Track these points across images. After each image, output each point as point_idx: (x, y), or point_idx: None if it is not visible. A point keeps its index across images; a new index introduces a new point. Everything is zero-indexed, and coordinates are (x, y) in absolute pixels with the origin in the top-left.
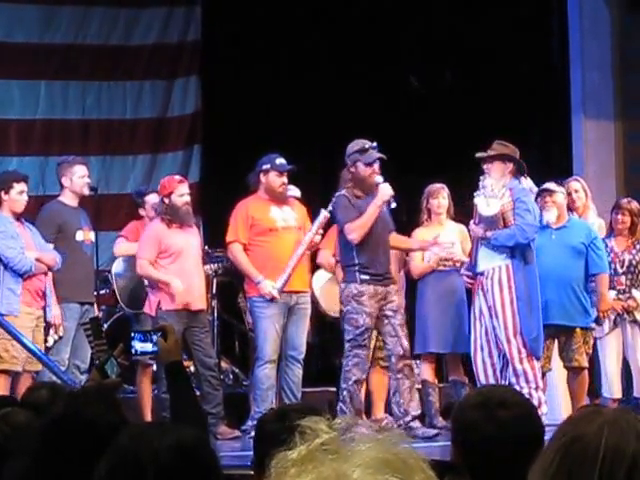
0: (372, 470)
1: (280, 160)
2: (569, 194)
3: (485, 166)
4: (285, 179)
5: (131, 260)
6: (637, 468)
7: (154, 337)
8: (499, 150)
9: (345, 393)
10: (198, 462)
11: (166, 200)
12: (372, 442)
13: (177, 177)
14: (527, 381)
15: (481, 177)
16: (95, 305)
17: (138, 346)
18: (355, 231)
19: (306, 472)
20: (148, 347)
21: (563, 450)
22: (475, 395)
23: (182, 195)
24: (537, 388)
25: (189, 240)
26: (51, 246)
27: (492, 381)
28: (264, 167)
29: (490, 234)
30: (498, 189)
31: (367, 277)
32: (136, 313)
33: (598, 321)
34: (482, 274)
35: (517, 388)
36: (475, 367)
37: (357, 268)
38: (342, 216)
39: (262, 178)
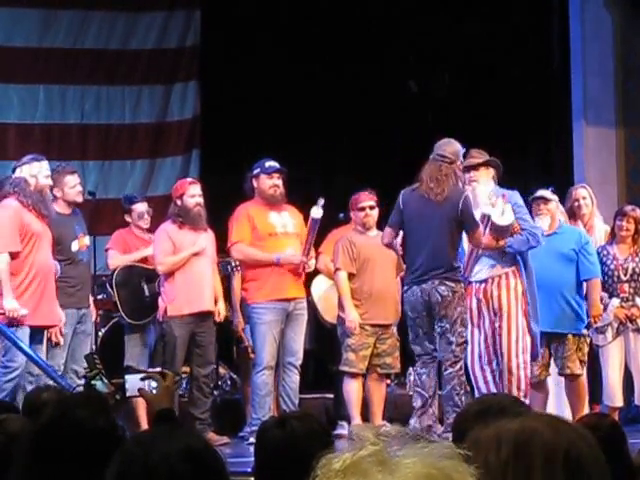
0: None
1: (269, 163)
2: (576, 200)
3: (471, 174)
4: (277, 181)
5: (131, 270)
6: (591, 456)
7: (147, 381)
8: (482, 157)
9: (464, 399)
10: (208, 467)
11: (178, 202)
12: (418, 455)
13: (189, 179)
14: (519, 389)
15: (467, 187)
16: (92, 309)
17: (131, 387)
18: (483, 235)
19: None
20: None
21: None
22: (476, 404)
23: (193, 196)
24: (525, 396)
25: (200, 242)
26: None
27: (492, 388)
28: (255, 172)
29: (503, 242)
30: (488, 196)
31: None
32: (134, 324)
33: (589, 327)
34: (485, 282)
35: None
36: (474, 376)
37: (461, 269)
38: (476, 219)
39: (254, 183)
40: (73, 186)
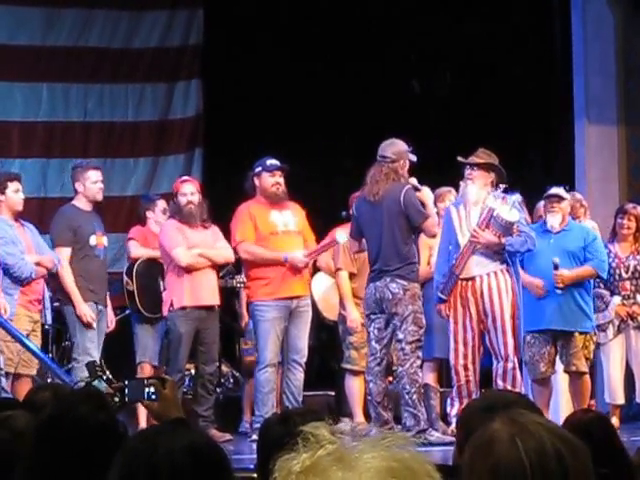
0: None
1: (271, 161)
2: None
3: (468, 172)
4: (278, 179)
5: (151, 263)
6: (565, 460)
7: (147, 388)
8: (486, 159)
9: (415, 397)
10: (212, 463)
11: (175, 200)
12: (376, 449)
13: (183, 177)
14: (514, 386)
15: (461, 183)
16: (110, 311)
17: (131, 393)
18: (437, 225)
19: None
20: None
21: None
22: (481, 399)
23: (184, 195)
24: None
25: (203, 238)
26: (53, 252)
27: (473, 387)
28: (256, 170)
29: (504, 240)
30: (477, 197)
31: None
32: (148, 316)
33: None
34: (473, 279)
35: None
36: (456, 375)
37: (417, 266)
38: (421, 210)
39: (256, 181)
40: (95, 182)
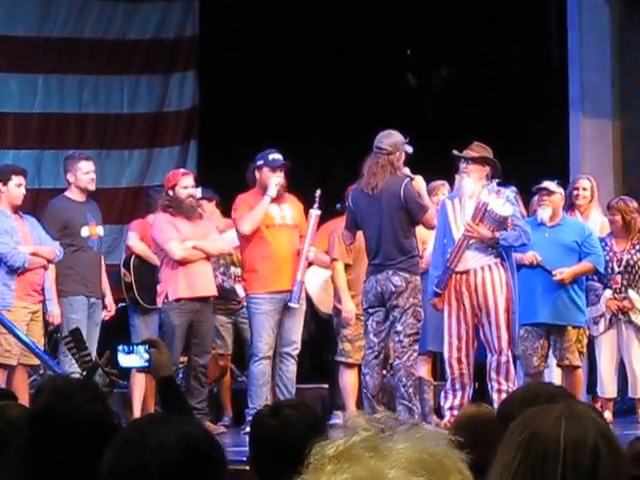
0: (406, 471)
1: (273, 156)
2: (575, 189)
3: (464, 166)
4: (280, 174)
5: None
6: (600, 457)
7: (140, 350)
8: (481, 152)
9: (411, 390)
10: (205, 456)
11: (170, 193)
12: (410, 441)
13: (181, 170)
14: (507, 379)
15: (457, 176)
16: (110, 301)
17: (122, 360)
18: (435, 217)
19: (342, 470)
20: (134, 361)
21: (524, 447)
22: (523, 390)
23: (186, 187)
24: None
25: (196, 230)
26: (56, 242)
27: (467, 380)
28: (258, 163)
29: (498, 234)
30: (473, 191)
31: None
32: (145, 307)
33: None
34: (467, 273)
35: (495, 385)
36: (450, 367)
37: (419, 259)
38: (422, 202)
39: (257, 174)
40: (86, 172)
